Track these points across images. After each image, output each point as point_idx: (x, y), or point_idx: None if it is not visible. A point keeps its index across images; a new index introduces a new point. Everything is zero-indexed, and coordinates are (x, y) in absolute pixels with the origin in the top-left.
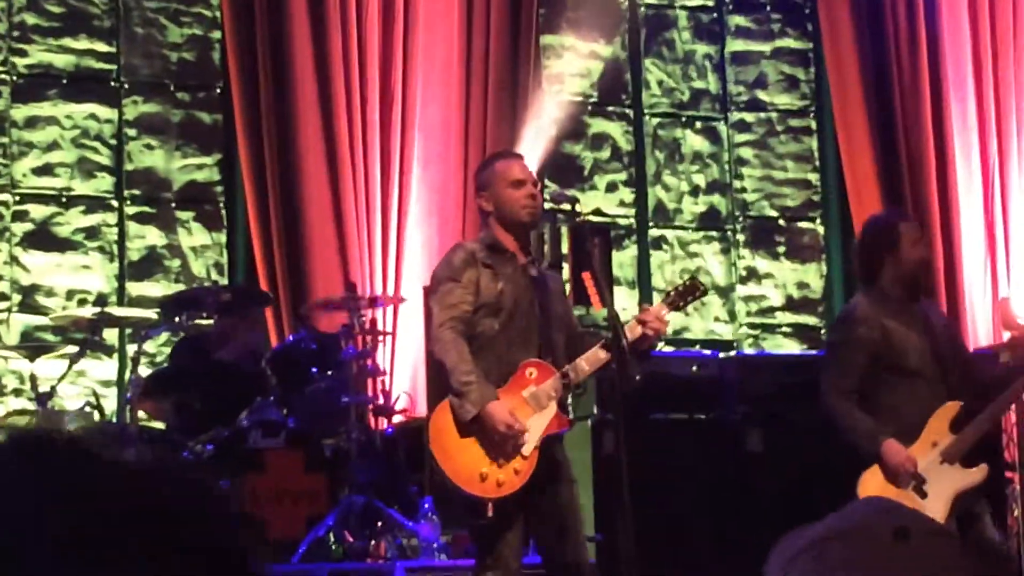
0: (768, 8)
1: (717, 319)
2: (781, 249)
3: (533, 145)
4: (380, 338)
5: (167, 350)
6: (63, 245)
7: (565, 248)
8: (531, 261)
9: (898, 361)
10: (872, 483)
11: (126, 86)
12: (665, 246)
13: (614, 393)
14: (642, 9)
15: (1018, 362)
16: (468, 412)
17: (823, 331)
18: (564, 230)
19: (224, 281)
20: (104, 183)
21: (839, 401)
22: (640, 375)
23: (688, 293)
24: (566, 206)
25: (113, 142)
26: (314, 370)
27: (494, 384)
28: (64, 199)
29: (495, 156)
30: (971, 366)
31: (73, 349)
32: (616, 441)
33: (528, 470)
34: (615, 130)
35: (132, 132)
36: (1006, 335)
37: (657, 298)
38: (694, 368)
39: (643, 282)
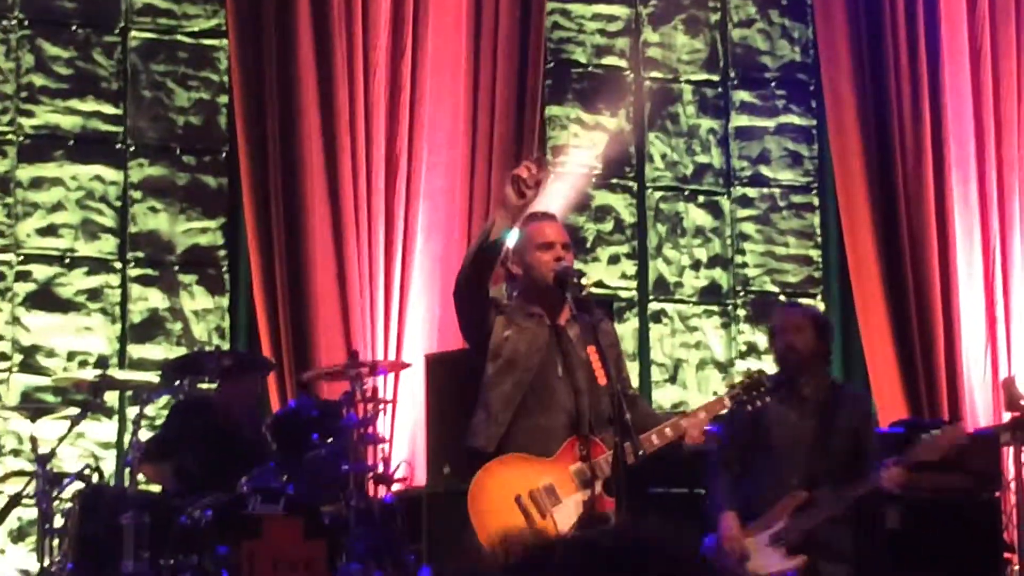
0: (772, 84)
1: (715, 393)
2: None
3: None
4: (381, 406)
5: (167, 414)
6: (65, 306)
7: None
8: (573, 318)
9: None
10: None
11: (132, 148)
12: (665, 319)
13: (615, 468)
14: (647, 83)
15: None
16: (493, 223)
17: None
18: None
19: (226, 345)
20: (108, 245)
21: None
22: (644, 452)
23: (753, 388)
24: (572, 279)
25: (118, 204)
26: (315, 437)
27: (519, 450)
28: (67, 260)
29: (528, 218)
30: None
31: (74, 411)
32: (616, 514)
33: None
34: (618, 202)
35: (137, 194)
36: (1006, 416)
37: (696, 396)
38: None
39: (643, 355)
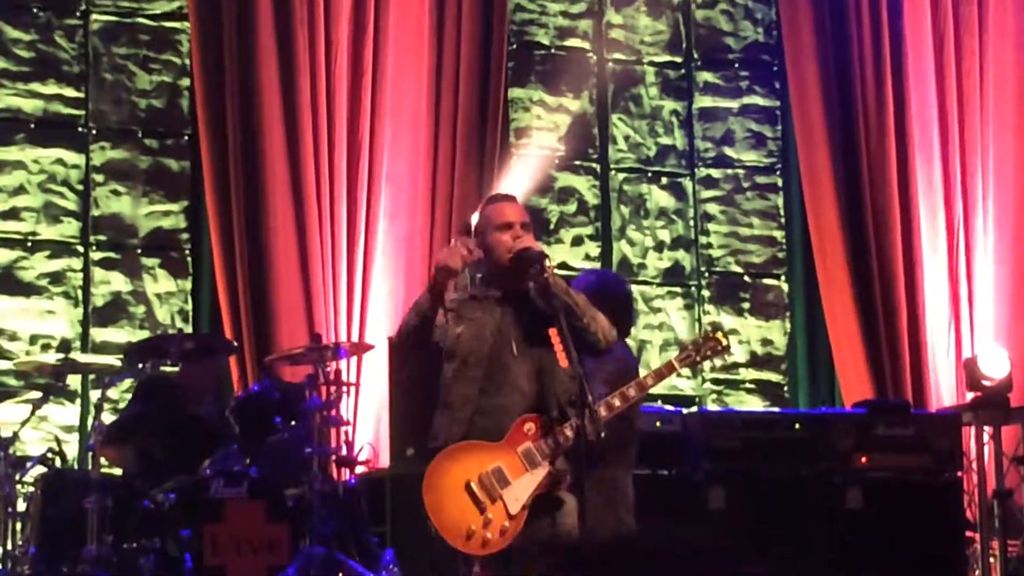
0: (736, 66)
1: (680, 375)
2: (746, 305)
3: None
4: (344, 389)
5: (130, 397)
6: (28, 290)
7: None
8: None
9: None
10: None
11: (94, 132)
12: None
13: (577, 449)
14: (609, 64)
15: None
16: (424, 296)
17: (786, 388)
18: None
19: (189, 329)
20: (70, 228)
21: None
22: (604, 432)
23: (706, 349)
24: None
25: (80, 187)
26: (277, 420)
27: (480, 436)
28: (29, 243)
29: (488, 200)
30: None
31: (36, 394)
32: (579, 496)
33: (515, 530)
34: (582, 184)
35: (99, 178)
36: (969, 396)
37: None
38: (657, 424)
39: None
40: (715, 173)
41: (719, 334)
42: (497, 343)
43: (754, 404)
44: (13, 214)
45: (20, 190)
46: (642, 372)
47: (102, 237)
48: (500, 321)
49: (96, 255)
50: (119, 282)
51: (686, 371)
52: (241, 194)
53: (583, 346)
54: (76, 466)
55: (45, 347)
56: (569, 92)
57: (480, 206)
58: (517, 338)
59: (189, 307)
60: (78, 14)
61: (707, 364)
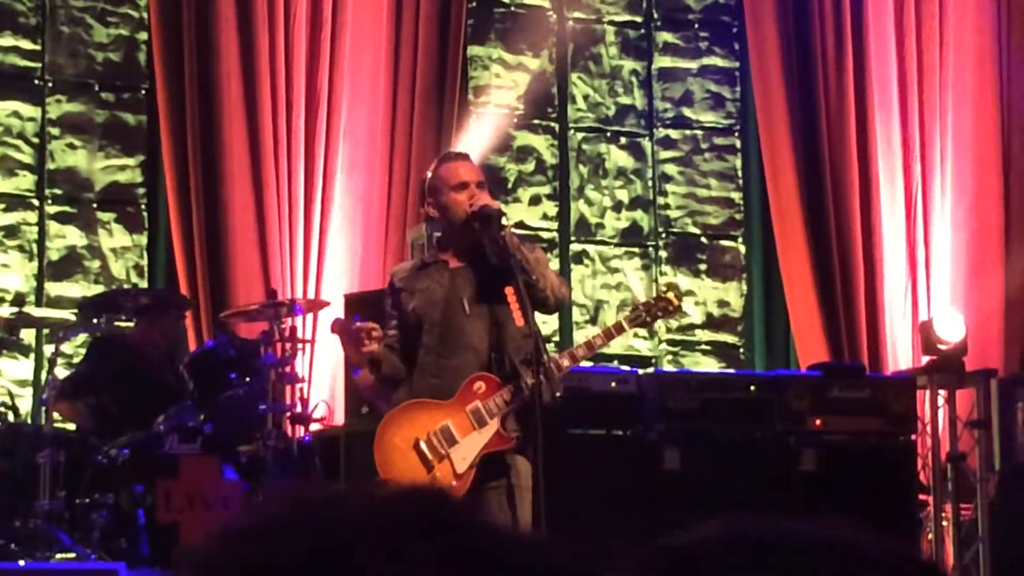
0: (696, 26)
1: (636, 335)
2: (703, 267)
3: None
4: (299, 345)
5: (84, 351)
6: None
7: None
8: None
9: None
10: None
11: (50, 84)
12: (587, 261)
13: (531, 407)
14: (569, 23)
15: None
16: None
17: (742, 350)
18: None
19: (144, 284)
20: (25, 182)
21: None
22: (561, 392)
23: (657, 309)
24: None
25: (36, 140)
26: (232, 376)
27: (434, 397)
28: None
29: (441, 159)
30: None
31: None
32: (534, 456)
33: (461, 489)
34: (540, 143)
35: (55, 131)
36: (925, 359)
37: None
38: (613, 384)
39: None
40: (674, 134)
41: (671, 294)
42: (449, 306)
43: (710, 365)
44: None
45: None
46: (593, 332)
47: (58, 191)
48: (450, 284)
49: (52, 209)
50: (74, 236)
51: (642, 332)
52: (198, 149)
53: (534, 304)
54: (29, 420)
55: None
56: (529, 50)
57: (433, 165)
58: (470, 297)
59: (144, 262)
60: None
61: (662, 325)
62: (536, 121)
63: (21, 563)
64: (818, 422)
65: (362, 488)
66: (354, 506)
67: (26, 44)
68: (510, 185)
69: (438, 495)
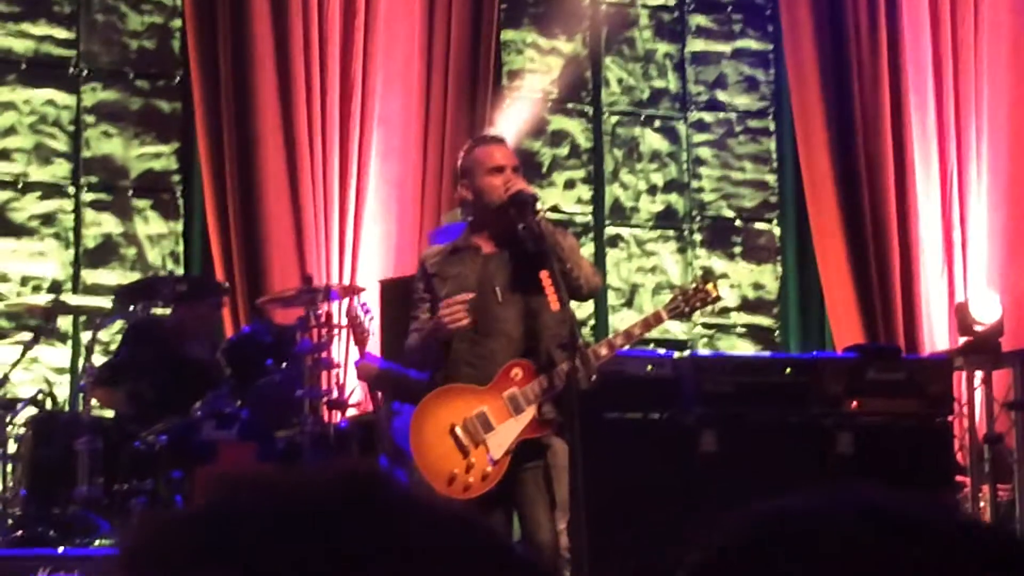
0: (729, 8)
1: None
2: (737, 250)
3: None
4: (335, 331)
5: (121, 339)
6: (18, 231)
7: None
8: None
9: None
10: None
11: (85, 72)
12: (621, 244)
13: (568, 392)
14: (603, 7)
15: None
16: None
17: (777, 333)
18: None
19: (180, 270)
20: (61, 169)
21: None
22: (596, 377)
23: (696, 300)
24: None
25: (71, 128)
26: (269, 362)
27: (474, 381)
28: (20, 185)
29: (475, 142)
30: None
31: (27, 336)
32: (570, 440)
33: (496, 476)
34: (574, 127)
35: (90, 119)
36: (961, 340)
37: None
38: (649, 368)
39: None
40: (707, 117)
41: (709, 285)
42: (481, 292)
43: (745, 348)
44: (4, 155)
45: (11, 131)
46: (632, 319)
47: (93, 179)
48: (482, 270)
49: (87, 196)
50: (110, 224)
51: None
52: (232, 135)
53: (568, 291)
54: (67, 408)
55: (36, 288)
56: (562, 34)
57: (466, 148)
58: (502, 283)
59: (180, 249)
60: None
61: None
62: (570, 105)
63: (60, 549)
64: (854, 404)
65: (295, 469)
66: (277, 484)
67: (61, 32)
68: (545, 169)
69: (368, 472)
